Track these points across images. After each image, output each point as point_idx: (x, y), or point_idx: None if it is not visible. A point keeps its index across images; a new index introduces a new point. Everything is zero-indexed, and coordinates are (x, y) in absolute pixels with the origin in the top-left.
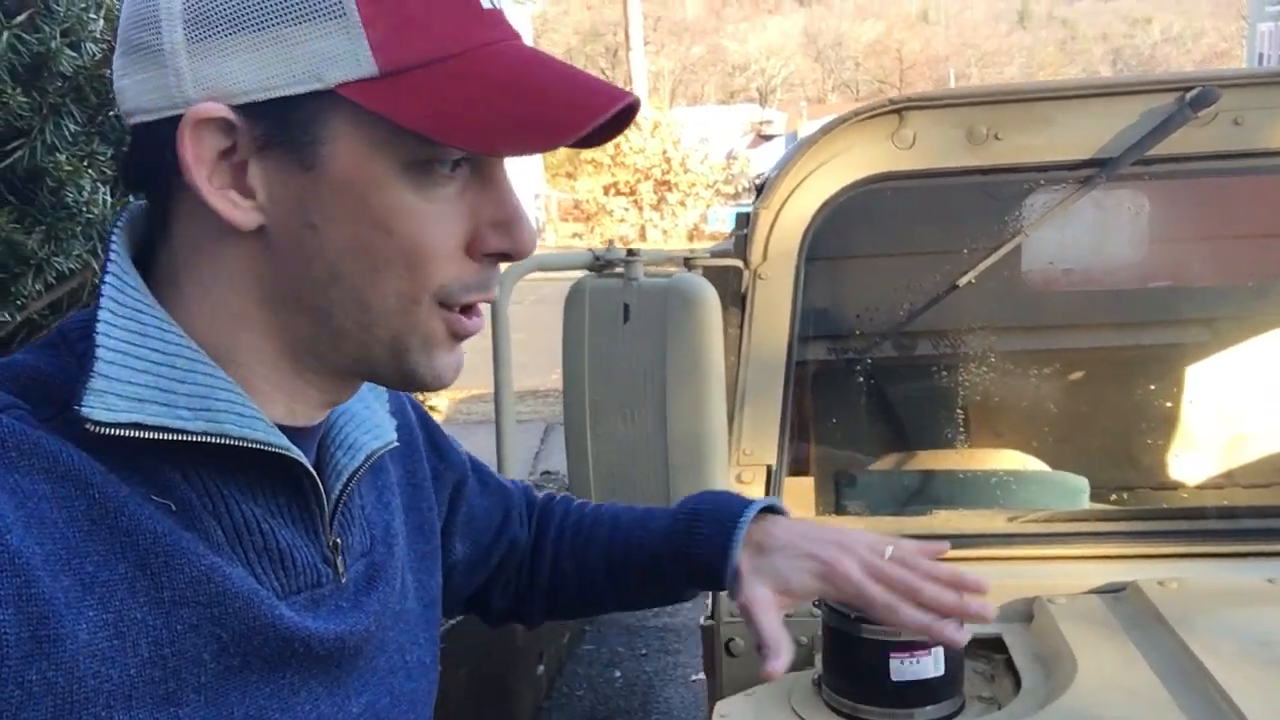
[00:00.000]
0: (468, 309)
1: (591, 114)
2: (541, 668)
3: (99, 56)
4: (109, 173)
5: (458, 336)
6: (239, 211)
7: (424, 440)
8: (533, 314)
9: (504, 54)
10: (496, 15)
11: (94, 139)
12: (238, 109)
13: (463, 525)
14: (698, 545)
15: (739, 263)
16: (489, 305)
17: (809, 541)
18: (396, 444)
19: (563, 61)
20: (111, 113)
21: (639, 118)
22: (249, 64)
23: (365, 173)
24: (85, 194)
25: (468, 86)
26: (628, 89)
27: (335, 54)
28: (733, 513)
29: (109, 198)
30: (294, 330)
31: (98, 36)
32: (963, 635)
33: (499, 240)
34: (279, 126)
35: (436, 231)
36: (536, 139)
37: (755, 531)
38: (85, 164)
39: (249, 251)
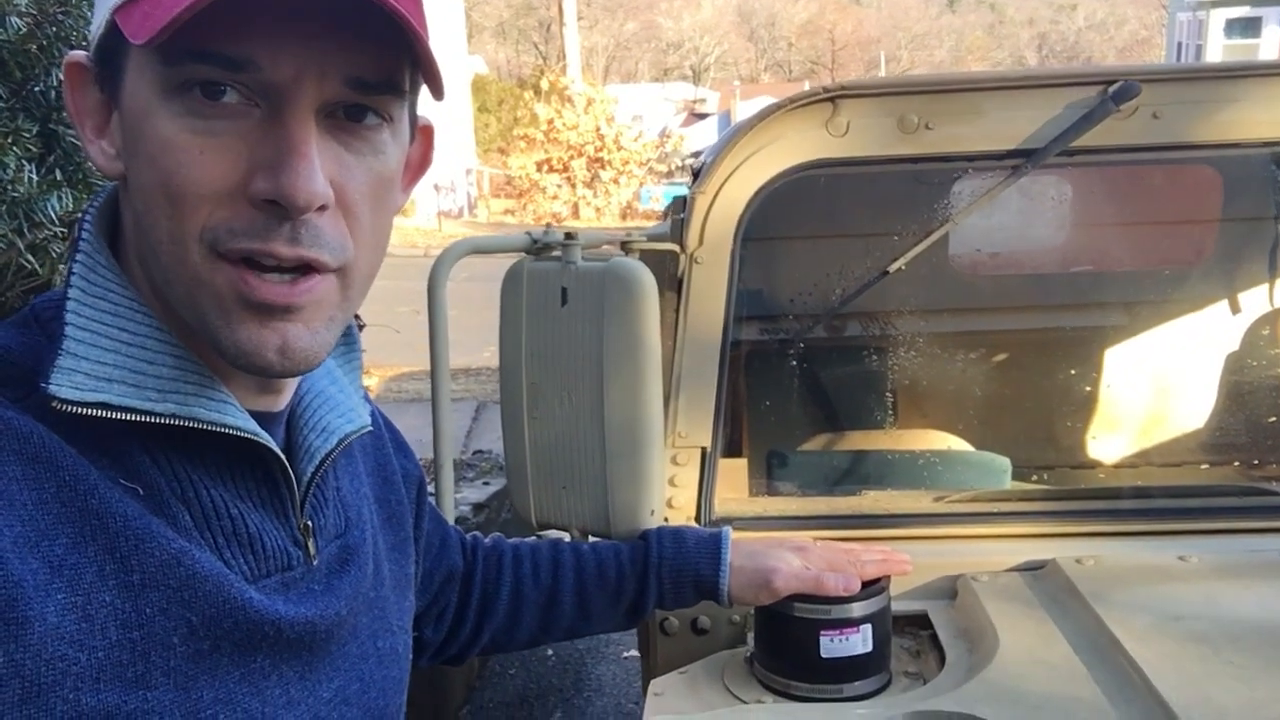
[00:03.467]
0: (256, 266)
1: None
2: None
3: (24, 31)
4: (34, 150)
5: (254, 305)
6: (107, 160)
7: (389, 438)
8: (465, 291)
9: None
10: None
11: (18, 115)
12: (93, 55)
13: (424, 534)
14: (687, 560)
15: (675, 247)
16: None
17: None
18: (370, 428)
19: None
20: (36, 88)
21: (573, 93)
22: (98, 7)
23: (138, 102)
24: (10, 172)
25: None
26: (561, 65)
27: None
28: (709, 537)
29: (34, 176)
30: (159, 289)
31: (23, 10)
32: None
33: (265, 182)
34: (104, 67)
35: (197, 164)
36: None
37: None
38: (10, 141)
39: (128, 206)
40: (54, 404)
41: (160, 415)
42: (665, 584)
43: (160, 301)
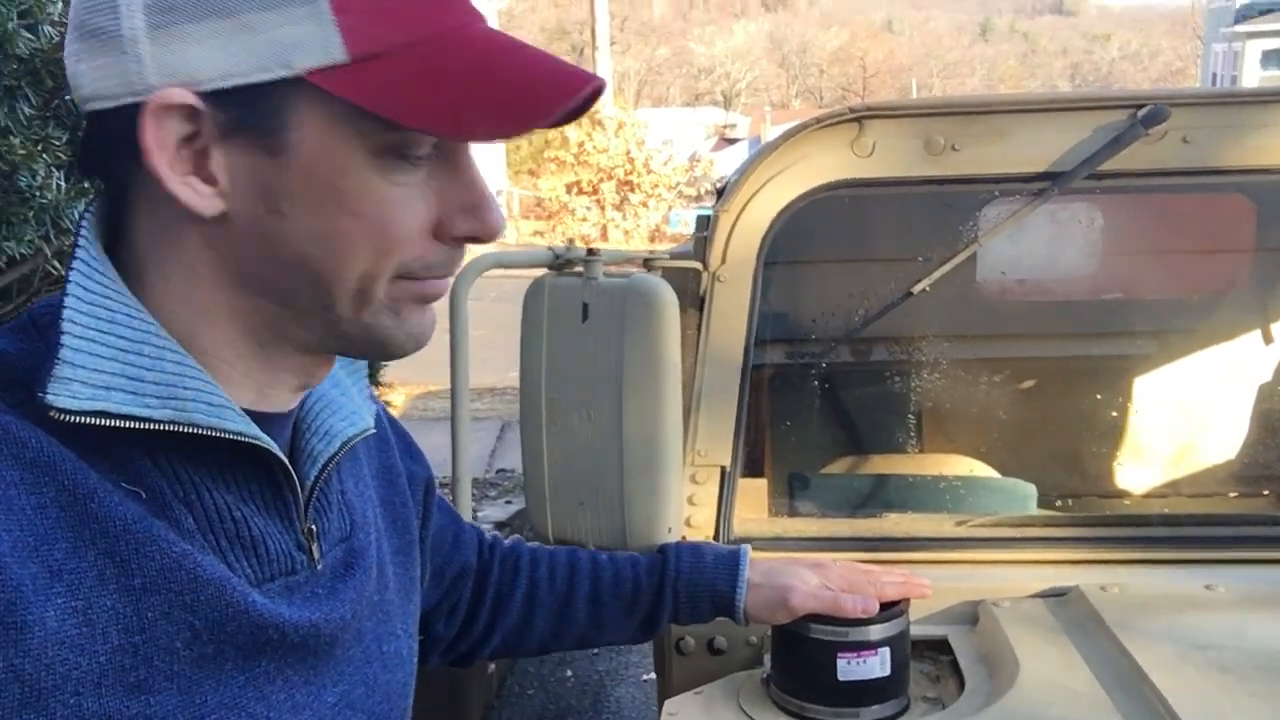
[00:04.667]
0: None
1: (558, 99)
2: (492, 666)
3: (56, 39)
4: (63, 157)
5: (425, 299)
6: (201, 199)
7: (395, 440)
8: (491, 311)
9: (473, 38)
10: (464, 0)
11: (49, 123)
12: (202, 95)
13: (432, 533)
14: (704, 575)
15: (698, 265)
16: (446, 298)
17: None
18: (373, 431)
19: (529, 45)
20: (67, 96)
21: (604, 117)
22: (214, 50)
23: (334, 159)
24: (39, 179)
25: (436, 71)
26: None
27: (305, 41)
28: (727, 554)
29: (63, 183)
30: (258, 315)
31: (55, 19)
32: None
33: (467, 223)
34: (245, 113)
35: (404, 215)
36: (504, 123)
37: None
38: (39, 148)
39: (210, 238)
40: (52, 414)
41: (158, 422)
42: (681, 598)
43: (233, 326)
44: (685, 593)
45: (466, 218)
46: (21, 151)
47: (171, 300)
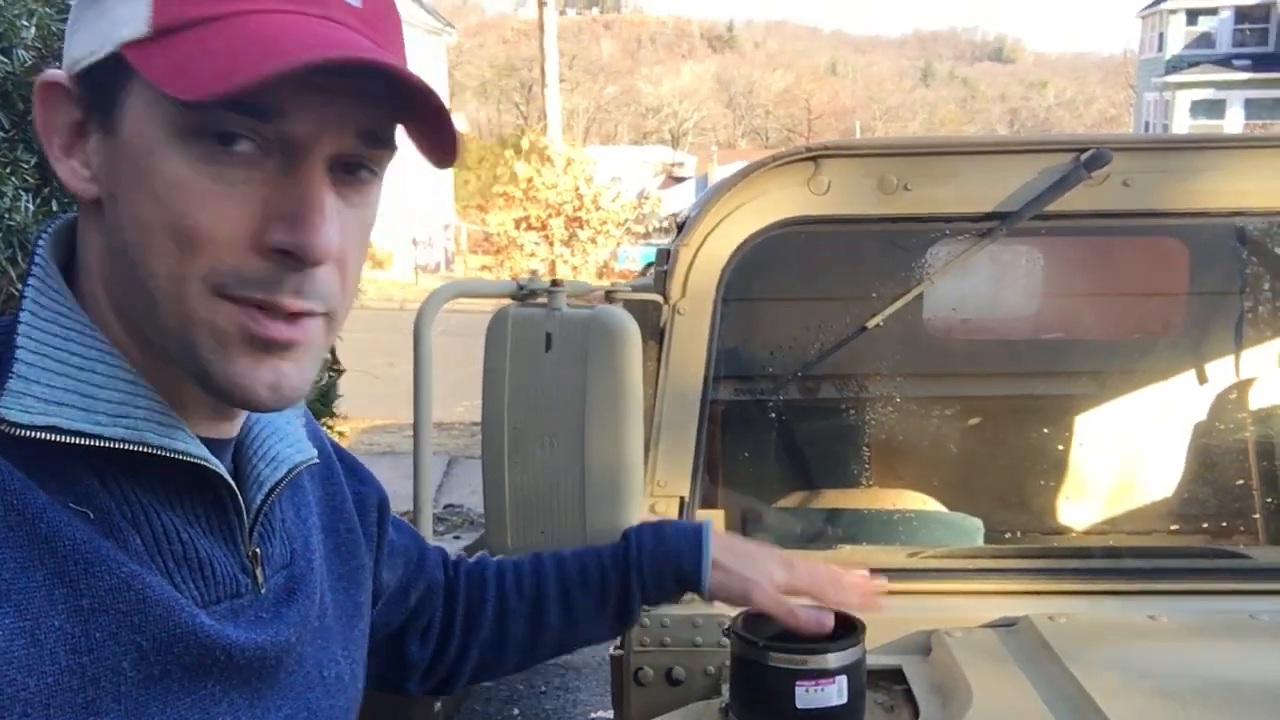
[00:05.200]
0: (267, 309)
1: (296, 53)
2: (438, 705)
3: (28, 63)
4: (31, 180)
5: (257, 341)
6: (78, 180)
7: (339, 466)
8: (441, 345)
9: (283, 20)
10: None
11: (18, 146)
12: (75, 78)
13: (387, 553)
14: (668, 551)
15: (659, 298)
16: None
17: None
18: (317, 460)
19: (343, 29)
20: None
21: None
22: (84, 34)
23: (144, 137)
24: (7, 201)
25: (218, 42)
26: (542, 125)
27: (129, 17)
28: (690, 527)
29: (31, 205)
30: (130, 317)
31: (29, 43)
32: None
33: (283, 233)
34: (93, 93)
35: (208, 210)
36: (223, 77)
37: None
38: (9, 171)
39: (98, 228)
40: (2, 427)
41: (110, 440)
42: (647, 576)
43: (123, 327)
44: (650, 571)
45: (284, 228)
46: None
47: (97, 304)
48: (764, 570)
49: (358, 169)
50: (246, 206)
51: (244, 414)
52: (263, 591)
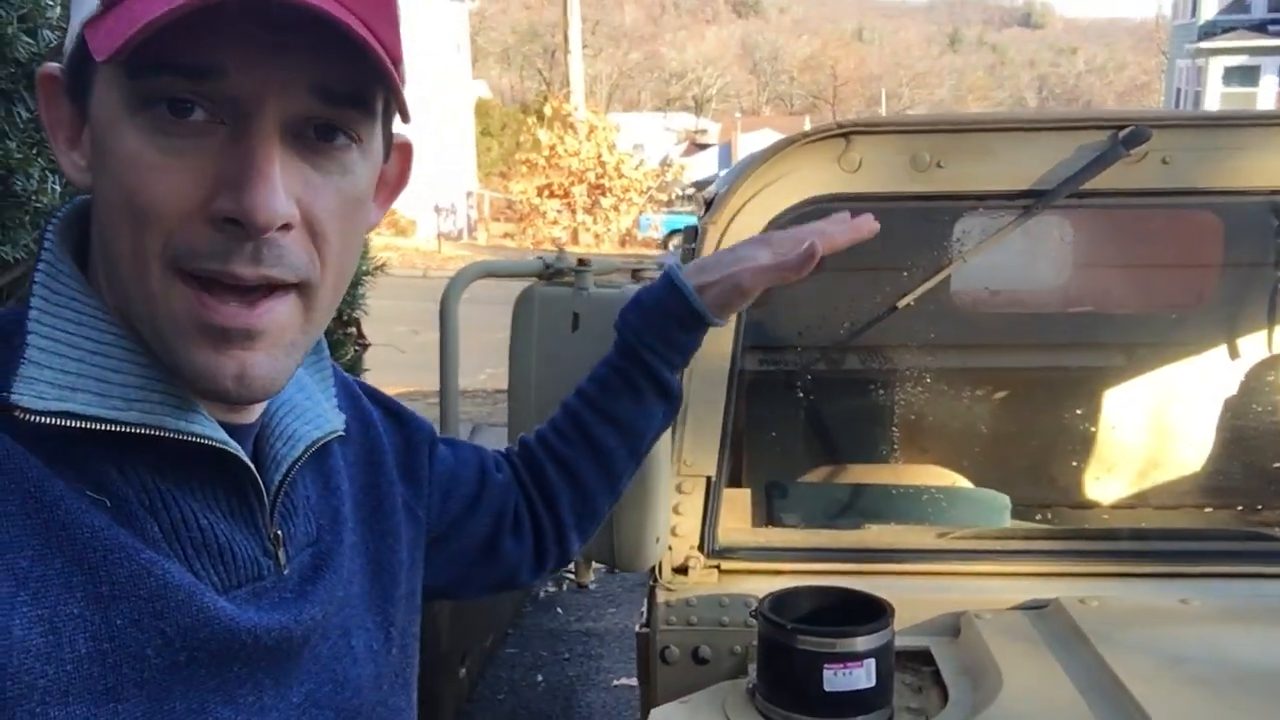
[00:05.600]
0: (217, 287)
1: None
2: (464, 670)
3: (54, 43)
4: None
5: (211, 330)
6: (78, 172)
7: (380, 415)
8: (464, 313)
9: None
10: None
11: (44, 128)
12: (64, 68)
13: (447, 482)
14: (654, 314)
15: None
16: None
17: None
18: (340, 433)
19: None
20: None
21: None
22: (70, 24)
23: (105, 115)
24: (34, 183)
25: (142, 4)
26: (565, 92)
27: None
28: (660, 281)
29: (58, 187)
30: (121, 304)
31: (54, 23)
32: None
33: (225, 201)
34: (75, 79)
35: (156, 181)
36: (130, 28)
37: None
38: (35, 152)
39: (95, 216)
40: (17, 414)
41: (126, 424)
42: (657, 345)
43: (124, 313)
44: (656, 338)
45: (228, 195)
46: (18, 155)
47: (109, 294)
48: (744, 256)
49: (333, 134)
50: (196, 176)
51: (261, 404)
52: (285, 573)
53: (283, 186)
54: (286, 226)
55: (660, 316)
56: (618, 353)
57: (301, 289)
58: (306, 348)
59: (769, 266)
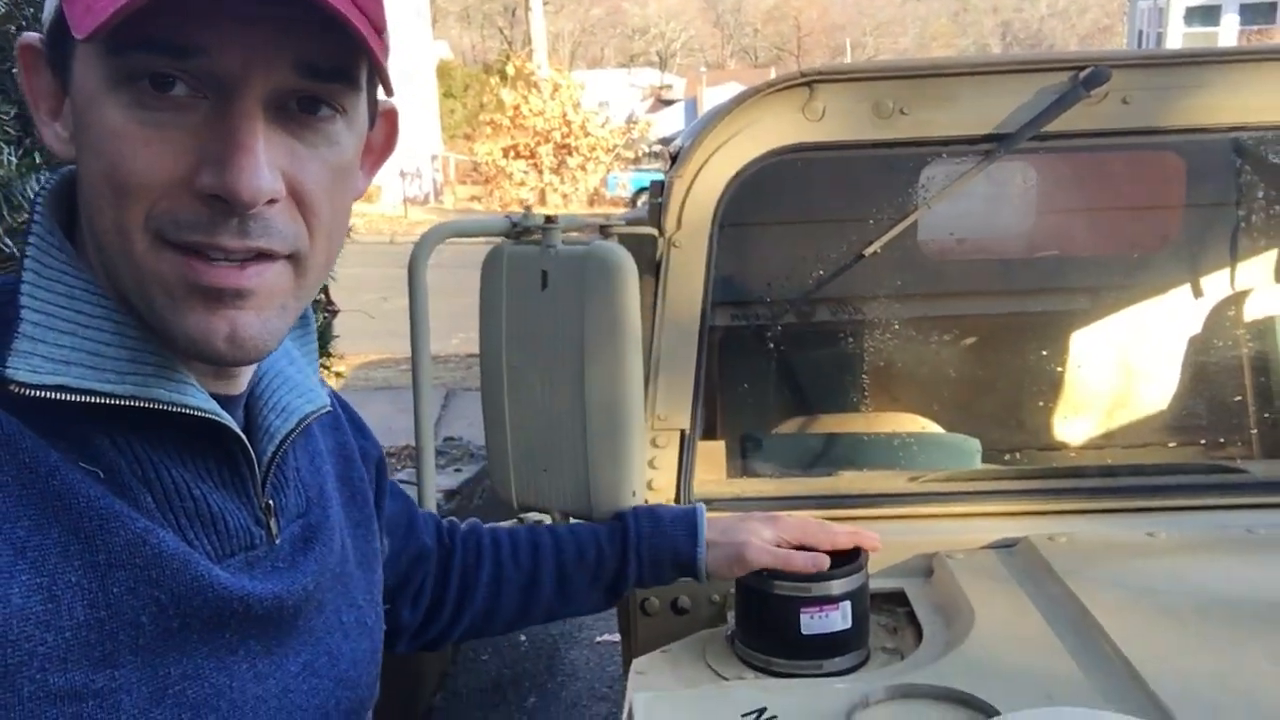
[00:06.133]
0: (204, 257)
1: None
2: None
3: (3, 11)
4: (12, 132)
5: (203, 290)
6: (60, 144)
7: (345, 417)
8: (434, 279)
9: None
10: None
11: None
12: (44, 39)
13: (385, 514)
14: (664, 538)
15: (654, 231)
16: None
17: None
18: (329, 409)
19: None
20: (14, 69)
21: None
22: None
23: (86, 89)
24: None
25: None
26: (527, 50)
27: None
28: (685, 514)
29: (13, 158)
30: (109, 276)
31: None
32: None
33: (209, 177)
34: (56, 51)
35: (138, 153)
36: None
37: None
38: None
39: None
40: (11, 387)
41: (119, 397)
42: (644, 563)
43: (113, 285)
44: (648, 557)
45: (211, 171)
46: None
47: (98, 266)
48: (751, 530)
49: (316, 107)
50: (179, 149)
51: (248, 372)
52: (277, 542)
53: (267, 161)
54: (272, 201)
55: (665, 548)
56: (609, 539)
57: (292, 258)
58: (297, 311)
59: (774, 552)
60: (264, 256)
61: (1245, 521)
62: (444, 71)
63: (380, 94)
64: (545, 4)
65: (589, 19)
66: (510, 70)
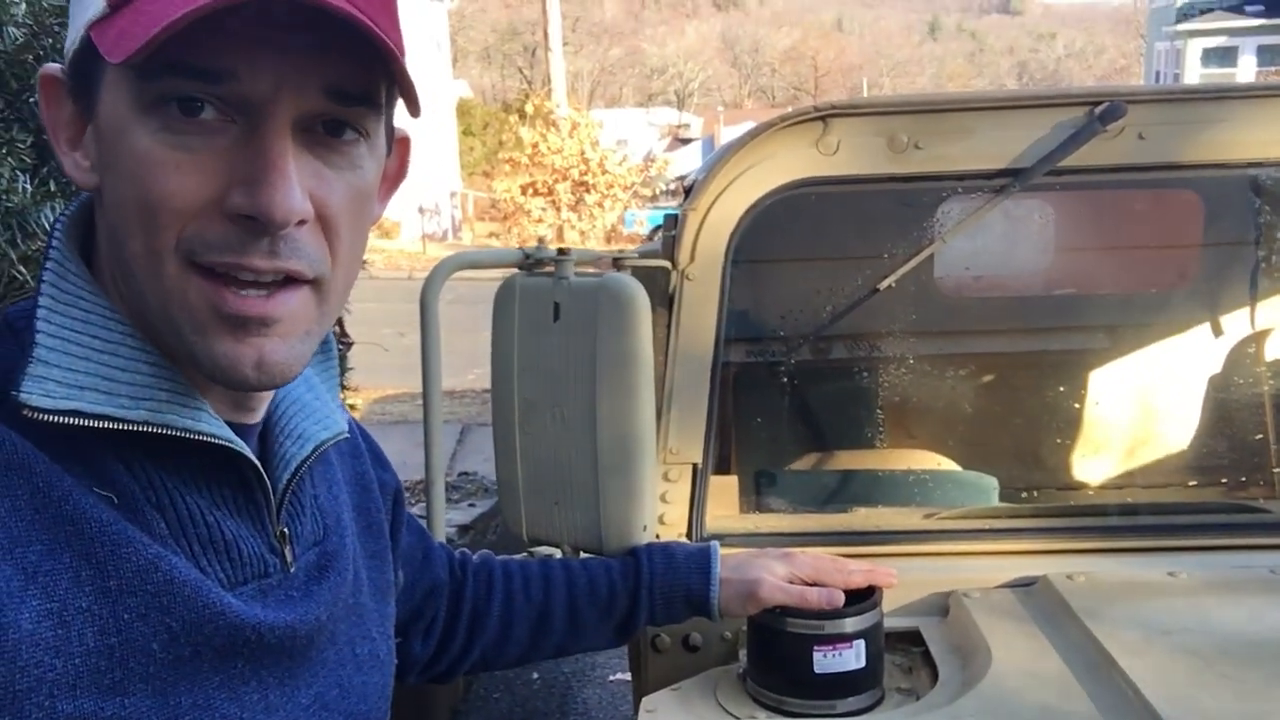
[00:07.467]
0: (234, 281)
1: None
2: None
3: (21, 41)
4: (28, 161)
5: (231, 319)
6: (81, 173)
7: (365, 448)
8: (450, 314)
9: None
10: None
11: (13, 126)
12: (66, 69)
13: (401, 546)
14: (678, 576)
15: (667, 263)
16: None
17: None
18: (346, 435)
19: None
20: (32, 99)
21: (558, 117)
22: (71, 24)
23: (115, 116)
24: (4, 182)
25: (156, 5)
26: (546, 89)
27: (92, 1)
28: (699, 552)
29: (29, 186)
30: (133, 302)
31: (19, 21)
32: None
33: (241, 197)
34: (78, 80)
35: (169, 177)
36: (147, 31)
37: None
38: (4, 151)
39: (103, 218)
40: (26, 412)
41: (132, 422)
42: (657, 600)
43: (135, 312)
44: (661, 595)
45: (242, 191)
46: None
47: (124, 291)
48: (765, 566)
49: (341, 129)
50: (208, 172)
51: (266, 401)
52: (292, 570)
53: (298, 183)
54: (302, 222)
55: (678, 586)
56: (622, 576)
57: (315, 283)
58: (320, 336)
59: (788, 589)
60: (290, 282)
61: (1268, 562)
62: (463, 110)
63: (395, 122)
64: (564, 44)
65: (608, 59)
66: (529, 109)
